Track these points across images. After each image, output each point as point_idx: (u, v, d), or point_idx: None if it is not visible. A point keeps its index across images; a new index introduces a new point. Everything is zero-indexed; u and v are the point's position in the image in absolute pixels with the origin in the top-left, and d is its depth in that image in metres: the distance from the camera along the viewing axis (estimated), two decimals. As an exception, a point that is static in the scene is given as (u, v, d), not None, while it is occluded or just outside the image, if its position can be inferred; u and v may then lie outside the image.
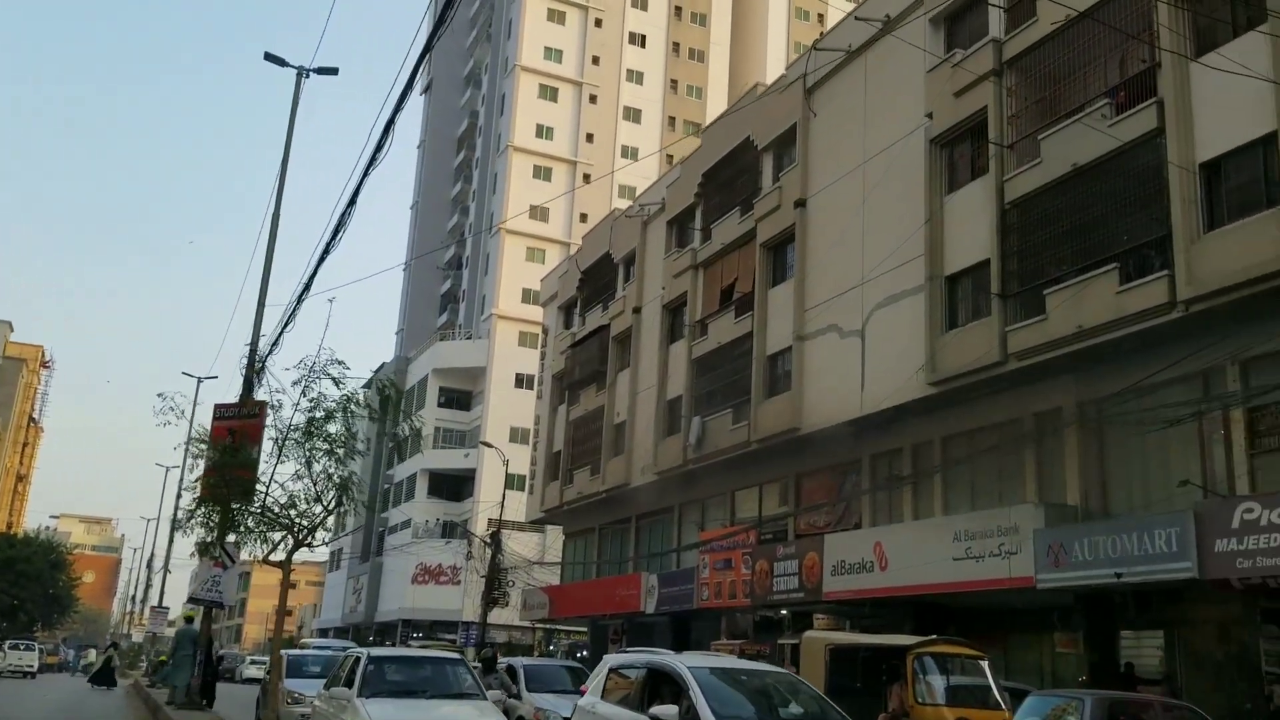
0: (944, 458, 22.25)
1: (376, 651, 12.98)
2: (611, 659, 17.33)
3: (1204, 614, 17.06)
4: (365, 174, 10.05)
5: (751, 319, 28.21)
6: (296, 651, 22.83)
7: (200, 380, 41.67)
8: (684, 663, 9.95)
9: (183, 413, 15.64)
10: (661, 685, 9.93)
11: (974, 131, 21.38)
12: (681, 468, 30.71)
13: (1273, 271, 14.87)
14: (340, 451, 13.25)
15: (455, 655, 14.30)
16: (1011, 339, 19.23)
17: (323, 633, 76.45)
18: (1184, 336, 16.56)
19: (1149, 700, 13.66)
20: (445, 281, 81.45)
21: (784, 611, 25.43)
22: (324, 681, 16.54)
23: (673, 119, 68.93)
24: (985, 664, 12.92)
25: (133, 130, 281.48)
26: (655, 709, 9.36)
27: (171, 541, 51.62)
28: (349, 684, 11.95)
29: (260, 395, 17.52)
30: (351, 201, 11.00)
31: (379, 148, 9.42)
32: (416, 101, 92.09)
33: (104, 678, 36.71)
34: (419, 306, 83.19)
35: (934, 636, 14.20)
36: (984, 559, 18.63)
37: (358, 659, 12.47)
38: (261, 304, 19.75)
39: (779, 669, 10.93)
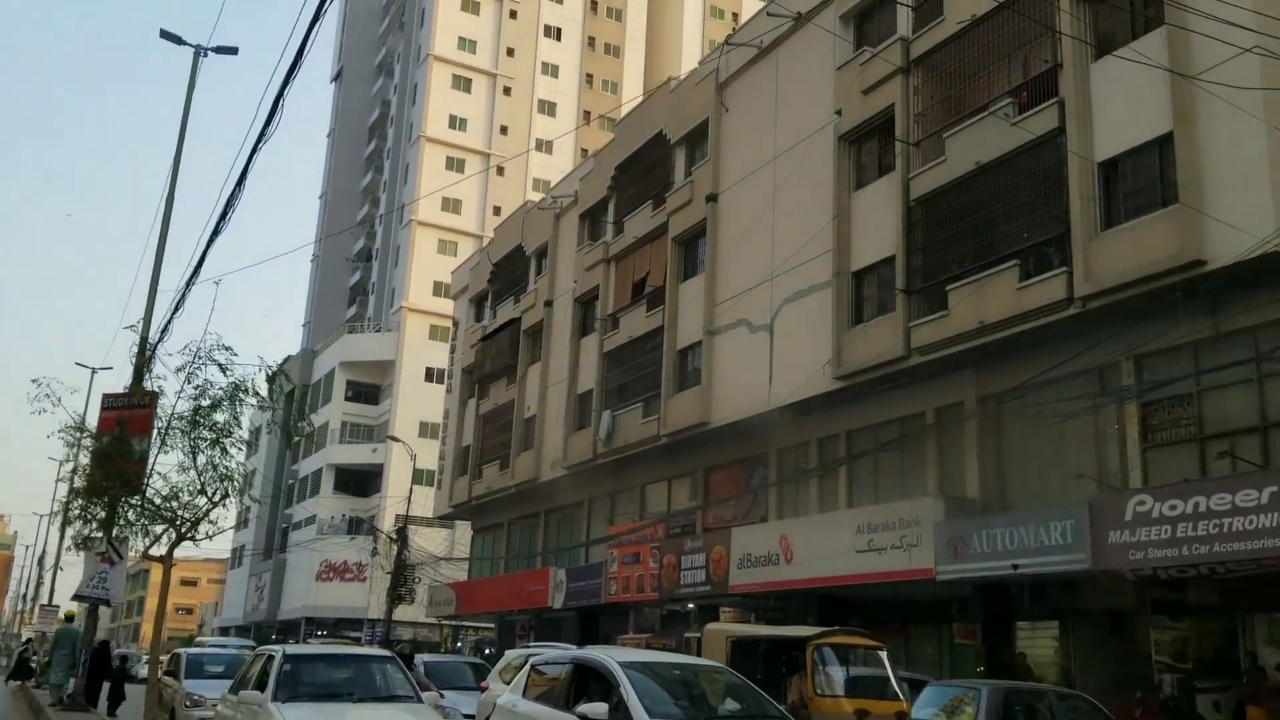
0: (849, 451, 22.45)
1: (293, 649, 11.27)
2: (512, 654, 17.10)
3: (1097, 604, 17.44)
4: (254, 151, 9.65)
5: (662, 313, 28.15)
6: (196, 649, 21.61)
7: (95, 371, 40.09)
8: (614, 658, 9.34)
9: (59, 400, 14.87)
10: (589, 682, 9.37)
11: (881, 129, 21.59)
12: (591, 462, 30.54)
13: (1166, 270, 15.24)
14: (226, 442, 12.69)
15: (385, 653, 12.63)
16: (915, 334, 19.44)
17: (224, 631, 74.53)
18: (1081, 333, 16.90)
19: (1043, 689, 13.88)
20: (354, 273, 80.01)
21: (691, 605, 25.44)
22: (229, 683, 15.68)
23: (588, 114, 68.67)
24: (884, 655, 12.99)
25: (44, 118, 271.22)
26: (583, 707, 8.76)
27: (62, 538, 49.71)
28: (261, 686, 10.39)
29: (150, 384, 16.81)
30: (240, 180, 10.56)
31: (268, 123, 9.04)
32: (327, 90, 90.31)
33: (21, 673, 35.28)
34: (327, 299, 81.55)
35: (834, 628, 14.26)
36: (886, 551, 18.81)
37: (270, 658, 10.87)
38: (154, 290, 19.00)
39: (713, 664, 10.40)
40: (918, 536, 18.28)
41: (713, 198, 26.71)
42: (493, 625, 40.74)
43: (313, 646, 14.67)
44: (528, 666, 10.87)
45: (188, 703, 15.34)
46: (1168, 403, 16.47)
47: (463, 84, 67.47)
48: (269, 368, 12.35)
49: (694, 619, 25.15)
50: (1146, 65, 15.86)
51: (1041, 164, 17.66)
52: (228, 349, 12.82)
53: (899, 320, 19.88)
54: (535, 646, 18.07)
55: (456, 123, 66.72)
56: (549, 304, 35.05)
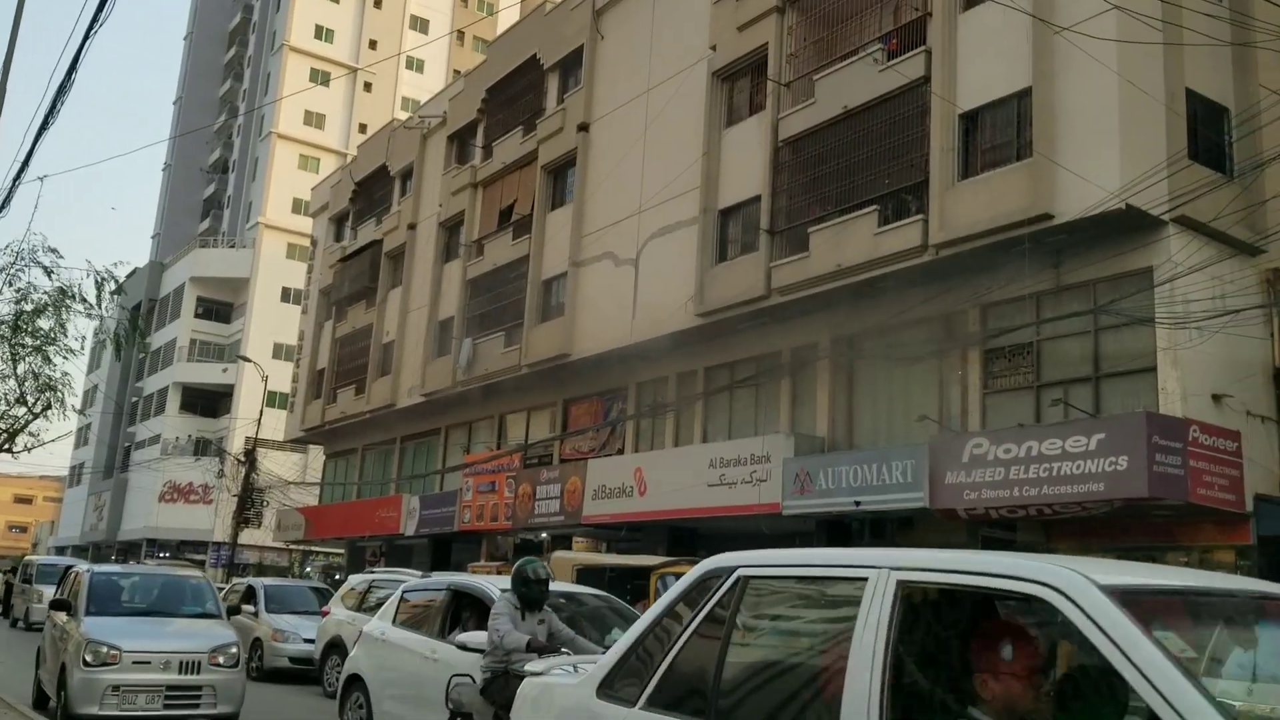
0: (706, 387, 22.71)
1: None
2: (356, 579, 16.86)
3: (932, 542, 18.15)
4: (85, 37, 8.93)
5: (529, 242, 27.78)
6: (106, 567, 12.88)
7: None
8: (497, 585, 8.86)
9: None
10: (465, 610, 9.06)
11: (755, 67, 21.57)
12: (450, 390, 30.13)
13: (1016, 222, 15.71)
14: (50, 350, 11.89)
15: None
16: (776, 274, 19.67)
17: (60, 551, 71.58)
18: (932, 279, 17.36)
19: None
20: (209, 186, 76.51)
21: (544, 535, 25.52)
22: (158, 623, 10.55)
23: (461, 33, 66.73)
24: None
25: None
26: (464, 635, 8.29)
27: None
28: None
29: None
30: (71, 69, 9.81)
31: (100, 8, 8.35)
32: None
33: None
34: (179, 211, 77.83)
35: (679, 557, 14.50)
36: (736, 485, 19.19)
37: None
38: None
39: (598, 592, 9.99)
40: (767, 472, 18.67)
41: (584, 127, 26.34)
42: (343, 551, 40.17)
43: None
44: (397, 594, 10.35)
45: (88, 657, 9.65)
46: (1008, 351, 17.13)
47: (331, -8, 64.70)
48: (98, 273, 11.62)
49: (547, 548, 25.23)
50: (1011, 20, 16.17)
51: (906, 112, 17.93)
52: (53, 251, 12.01)
53: (761, 260, 20.06)
54: (379, 572, 17.84)
55: (323, 33, 64.00)
56: (412, 227, 34.19)
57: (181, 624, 10.78)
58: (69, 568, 13.67)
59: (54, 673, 10.48)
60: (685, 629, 3.92)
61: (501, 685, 6.77)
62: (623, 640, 4.26)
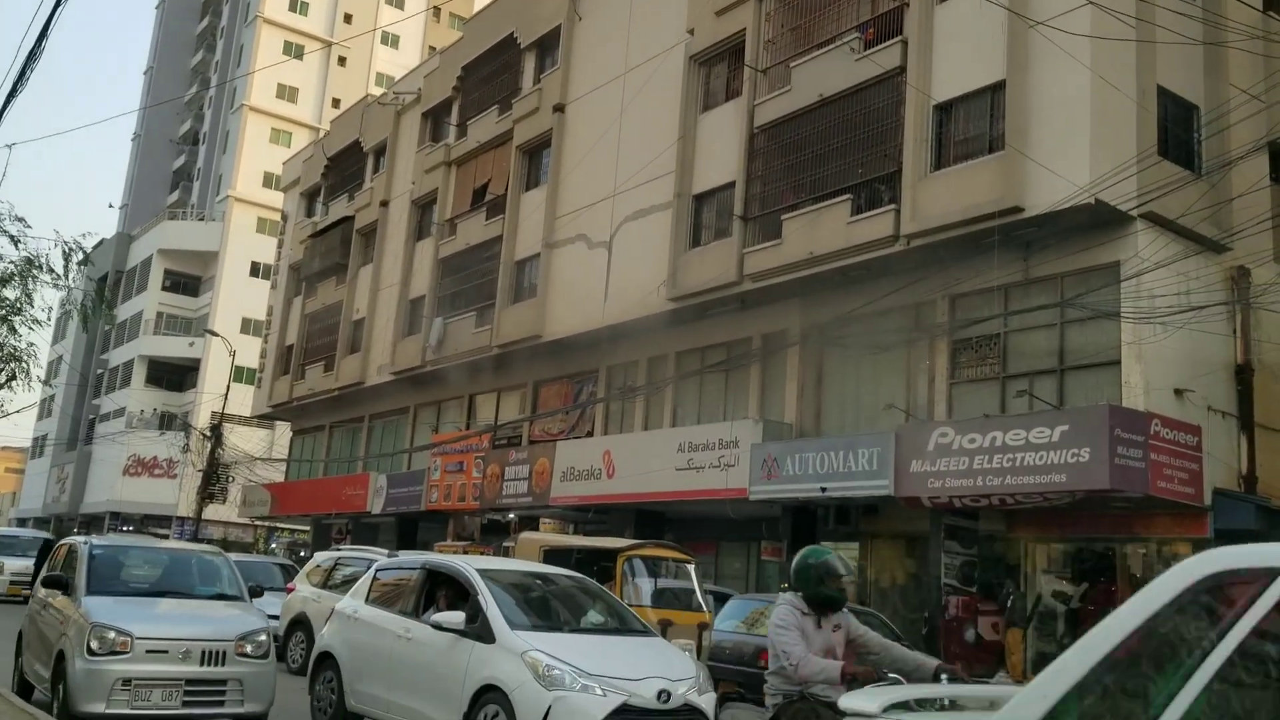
0: (676, 371, 22.78)
1: None
2: (321, 556, 16.84)
3: (895, 529, 18.36)
4: (56, 5, 8.80)
5: (502, 222, 27.68)
6: (108, 539, 11.75)
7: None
8: (472, 565, 8.91)
9: None
10: (440, 589, 9.02)
11: (732, 53, 21.59)
12: (420, 369, 30.06)
13: (986, 214, 15.83)
14: (15, 320, 11.73)
15: None
16: (748, 260, 19.73)
17: (21, 522, 70.87)
18: (903, 269, 17.47)
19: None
20: (179, 157, 75.58)
21: (511, 515, 25.55)
22: (171, 605, 9.13)
23: (438, 9, 66.16)
24: (692, 568, 13.35)
25: None
26: (439, 615, 8.28)
27: None
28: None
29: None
30: (41, 36, 9.67)
31: (72, -27, 8.24)
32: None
33: None
34: (148, 182, 76.87)
35: (645, 540, 14.57)
36: (704, 470, 19.31)
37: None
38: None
39: (573, 573, 9.93)
40: (735, 457, 18.78)
41: (560, 108, 26.25)
42: (308, 528, 40.02)
43: None
44: (370, 572, 10.28)
45: (93, 644, 8.10)
46: (975, 342, 17.29)
47: (306, -35, 63.98)
48: (65, 243, 11.47)
49: (514, 529, 25.27)
50: (987, 13, 16.26)
51: (881, 102, 18.00)
52: (20, 220, 11.86)
53: (734, 246, 20.11)
54: (345, 550, 17.82)
55: (297, 6, 63.29)
56: (385, 204, 33.99)
57: (199, 606, 9.30)
58: (47, 541, 13.03)
59: (44, 660, 9.01)
60: (1200, 662, 2.53)
61: (807, 716, 5.40)
62: (1056, 673, 2.80)
